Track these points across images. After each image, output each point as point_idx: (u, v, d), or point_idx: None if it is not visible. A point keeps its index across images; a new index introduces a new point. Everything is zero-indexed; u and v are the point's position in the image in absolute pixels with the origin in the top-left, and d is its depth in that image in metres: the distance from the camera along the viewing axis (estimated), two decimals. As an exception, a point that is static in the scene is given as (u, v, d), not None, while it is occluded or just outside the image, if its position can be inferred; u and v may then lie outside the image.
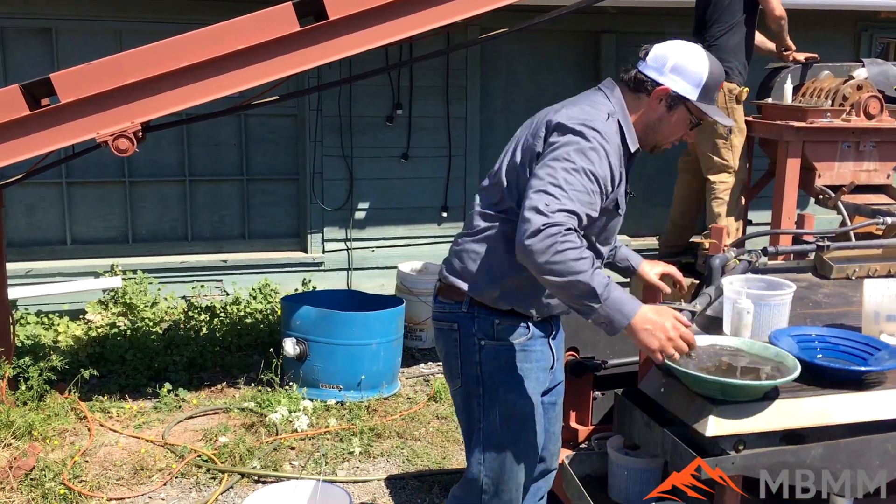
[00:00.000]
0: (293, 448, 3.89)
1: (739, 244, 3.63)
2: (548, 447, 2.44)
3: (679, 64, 2.14)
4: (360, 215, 5.99)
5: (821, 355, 2.45)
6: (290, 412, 4.16)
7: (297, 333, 4.47)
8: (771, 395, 2.16)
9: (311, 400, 4.34)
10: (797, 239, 3.68)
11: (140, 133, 3.43)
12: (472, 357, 2.24)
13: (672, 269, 2.55)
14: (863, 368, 2.27)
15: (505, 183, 2.22)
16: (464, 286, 2.24)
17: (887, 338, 2.55)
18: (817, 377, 2.23)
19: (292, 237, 6.05)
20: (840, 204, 4.09)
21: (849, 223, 4.02)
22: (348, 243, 5.99)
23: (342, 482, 3.59)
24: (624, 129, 2.15)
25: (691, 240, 4.92)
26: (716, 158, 4.55)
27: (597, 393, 2.88)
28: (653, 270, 2.51)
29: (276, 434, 3.99)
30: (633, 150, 2.16)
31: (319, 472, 3.66)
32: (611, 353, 2.84)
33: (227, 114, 4.22)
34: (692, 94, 2.14)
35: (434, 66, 5.88)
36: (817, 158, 4.28)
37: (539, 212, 1.92)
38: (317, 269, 5.95)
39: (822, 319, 2.88)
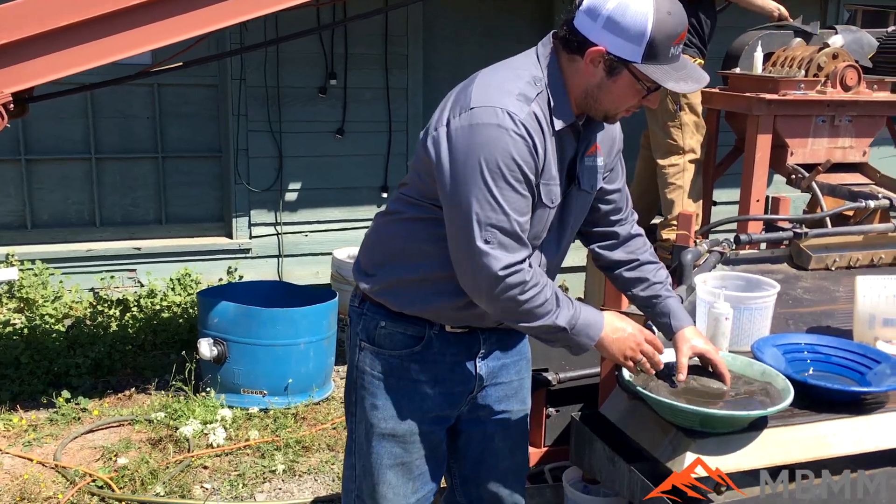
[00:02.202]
0: (206, 467, 3.48)
1: (705, 232, 3.31)
2: (475, 485, 2.09)
3: (614, 15, 1.65)
4: (290, 197, 5.55)
5: (812, 369, 2.13)
6: (205, 424, 3.74)
7: (216, 333, 4.04)
8: (758, 423, 1.83)
9: (231, 408, 3.93)
10: (770, 225, 3.39)
11: (12, 105, 2.95)
12: (353, 358, 1.96)
13: (715, 356, 1.93)
14: (870, 389, 1.95)
15: (413, 160, 1.91)
16: (356, 275, 1.96)
17: (884, 346, 2.25)
18: (811, 399, 1.91)
19: (215, 221, 5.59)
20: (815, 185, 3.81)
21: (823, 206, 3.74)
22: (278, 228, 5.55)
23: (261, 508, 3.19)
24: (552, 100, 1.74)
25: (651, 222, 4.60)
26: (665, 140, 4.21)
27: (550, 409, 2.52)
28: (694, 342, 1.92)
29: (188, 450, 3.56)
30: (557, 127, 1.74)
31: (234, 496, 3.26)
32: (566, 364, 2.49)
33: (121, 82, 3.73)
34: (634, 54, 1.67)
35: (371, 32, 5.44)
36: (790, 134, 3.98)
37: (482, 256, 1.69)
38: (243, 256, 5.51)
39: (805, 321, 2.57)
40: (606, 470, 1.97)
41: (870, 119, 4.09)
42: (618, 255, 2.02)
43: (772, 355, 2.11)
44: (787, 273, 3.10)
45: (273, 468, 3.45)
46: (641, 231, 2.06)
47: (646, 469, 1.87)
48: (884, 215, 4.26)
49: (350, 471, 2.00)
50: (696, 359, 1.94)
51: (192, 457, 3.51)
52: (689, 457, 1.77)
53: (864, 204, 3.26)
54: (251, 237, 5.52)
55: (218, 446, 3.59)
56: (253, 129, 5.37)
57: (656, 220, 4.61)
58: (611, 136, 1.93)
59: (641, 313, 2.09)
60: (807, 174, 3.86)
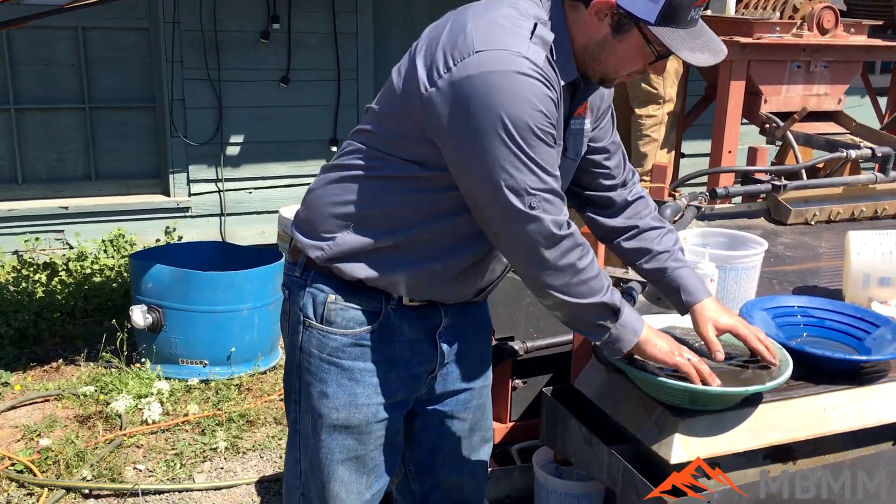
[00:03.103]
0: (140, 446, 3.22)
1: (678, 186, 3.11)
2: (431, 473, 1.88)
3: None
4: (232, 151, 5.21)
5: (806, 334, 1.95)
6: (139, 398, 3.48)
7: (150, 299, 3.75)
8: (752, 398, 1.65)
9: (169, 380, 3.66)
10: (746, 178, 3.21)
11: None
12: (295, 339, 1.69)
13: (746, 330, 1.67)
14: (874, 357, 1.78)
15: (377, 108, 1.62)
16: (301, 240, 1.66)
17: (879, 307, 2.08)
18: (808, 368, 1.73)
19: (150, 178, 5.23)
20: (790, 134, 3.63)
21: (799, 157, 3.57)
22: (220, 184, 5.22)
23: (200, 489, 2.95)
24: (553, 49, 1.48)
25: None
26: (643, 86, 3.99)
27: (516, 381, 2.32)
28: (716, 318, 1.66)
29: (120, 428, 3.30)
30: (562, 81, 1.50)
31: (171, 478, 3.01)
32: (533, 332, 2.28)
33: (29, 20, 3.35)
34: (649, 12, 1.42)
35: (317, -29, 5.08)
36: (763, 81, 3.79)
37: (530, 221, 1.46)
38: (182, 215, 5.18)
39: (790, 280, 2.40)
40: (583, 452, 1.77)
41: (846, 65, 3.92)
42: (615, 222, 1.78)
43: (761, 320, 1.92)
44: (766, 228, 2.94)
45: (214, 445, 3.21)
46: (643, 193, 1.81)
47: (628, 452, 1.68)
48: (854, 167, 4.13)
49: (294, 466, 1.76)
50: (665, 322, 1.75)
51: (125, 435, 3.24)
52: (678, 439, 1.58)
53: (845, 154, 3.09)
54: (190, 195, 5.19)
55: (153, 423, 3.33)
56: (189, 77, 5.00)
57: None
58: (600, 91, 1.68)
59: (618, 274, 1.88)
60: (781, 123, 3.68)
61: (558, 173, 1.49)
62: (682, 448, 1.58)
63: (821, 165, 3.56)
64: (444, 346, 1.74)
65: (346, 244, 1.61)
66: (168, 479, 3.01)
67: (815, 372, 1.74)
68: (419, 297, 1.66)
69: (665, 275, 1.74)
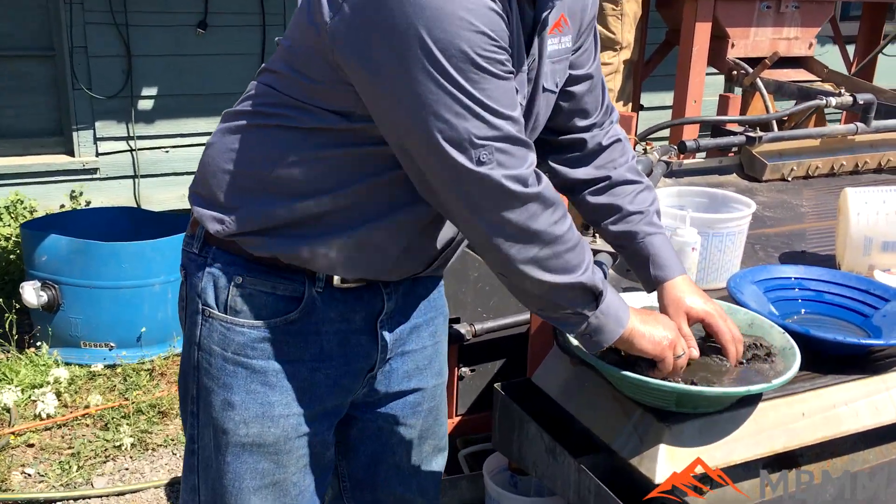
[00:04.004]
0: (32, 445, 2.84)
1: (642, 138, 2.81)
2: (371, 489, 1.55)
3: None
4: (145, 105, 4.75)
5: (804, 310, 1.68)
6: (32, 388, 3.08)
7: (45, 274, 3.34)
8: (750, 396, 1.36)
9: (69, 365, 3.27)
10: (717, 129, 2.92)
11: None
12: (193, 333, 1.34)
13: (719, 322, 1.35)
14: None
15: (286, 44, 1.27)
16: (197, 210, 1.32)
17: (882, 276, 1.82)
18: (811, 353, 1.44)
19: (52, 136, 4.74)
20: (759, 82, 3.36)
21: (769, 106, 3.30)
22: (131, 143, 4.76)
23: (99, 496, 2.59)
24: None
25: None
26: (600, 28, 3.66)
27: (464, 369, 2.01)
28: (690, 303, 1.35)
29: (9, 425, 2.90)
30: None
31: (65, 483, 2.64)
32: (483, 312, 1.96)
33: None
34: None
35: None
36: (730, 23, 3.51)
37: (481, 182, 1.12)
38: (89, 177, 4.71)
39: (775, 245, 2.14)
40: (544, 464, 1.47)
41: (817, 5, 3.66)
42: (582, 172, 1.44)
43: (753, 295, 1.65)
44: (739, 185, 2.68)
45: (118, 442, 2.84)
46: (621, 136, 1.48)
47: (602, 465, 1.38)
48: (820, 118, 3.90)
49: (191, 497, 1.40)
50: (641, 301, 1.45)
51: (12, 433, 2.85)
52: (664, 452, 1.29)
53: (824, 101, 2.82)
54: (98, 154, 4.71)
55: (48, 417, 2.95)
56: (92, 21, 4.50)
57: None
58: (581, 2, 1.35)
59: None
60: (751, 69, 3.41)
61: (517, 112, 1.14)
62: (669, 462, 1.29)
63: (785, 118, 3.32)
64: (388, 337, 1.40)
65: (254, 214, 1.27)
66: (62, 485, 2.64)
67: (818, 358, 1.47)
68: (352, 275, 1.32)
69: (635, 240, 1.42)
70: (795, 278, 1.71)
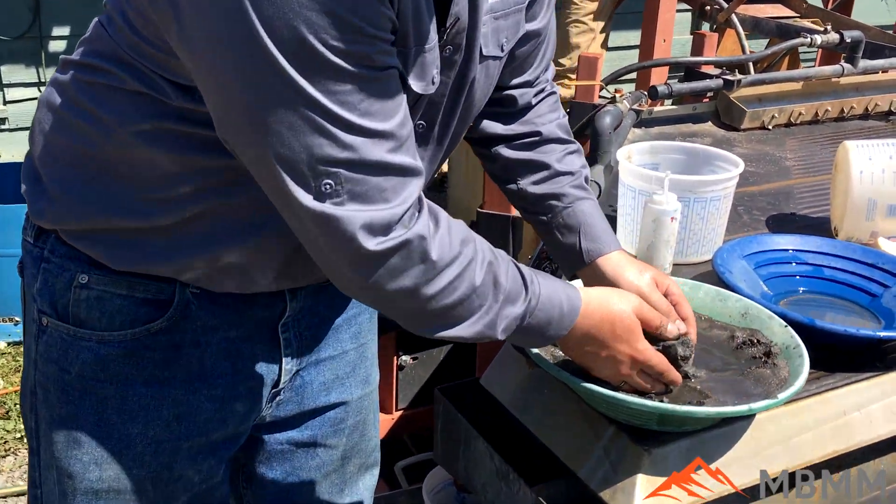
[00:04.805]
0: (-82, 440, 2.53)
1: (608, 83, 2.54)
2: None
3: None
4: (56, 46, 4.36)
5: (802, 289, 1.44)
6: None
7: None
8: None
9: (-33, 344, 2.95)
10: (690, 72, 2.66)
11: None
12: (29, 346, 1.06)
13: (673, 288, 1.13)
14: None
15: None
16: (23, 185, 1.06)
17: (886, 244, 1.59)
18: (816, 347, 1.20)
19: (-48, 82, 4.32)
20: (734, 18, 3.09)
21: (746, 46, 3.04)
22: (43, 88, 4.34)
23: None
24: None
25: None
26: None
27: (404, 358, 1.75)
28: (635, 277, 1.11)
29: None
30: None
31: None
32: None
33: None
34: None
35: None
36: (702, -47, 3.21)
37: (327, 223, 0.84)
38: (-3, 128, 4.33)
39: (760, 207, 1.91)
40: (494, 489, 1.22)
41: (797, -66, 3.37)
42: (502, 128, 1.17)
43: (742, 272, 1.41)
44: (715, 135, 2.44)
45: (22, 433, 2.54)
46: (553, 88, 1.21)
47: (563, 496, 1.14)
48: (794, 60, 3.67)
49: None
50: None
51: None
52: (641, 483, 1.04)
53: (809, 39, 2.57)
54: (5, 102, 4.34)
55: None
56: (-11, -51, 4.06)
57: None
58: None
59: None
60: (725, 5, 3.13)
61: (392, 123, 0.83)
62: (647, 490, 1.04)
63: (757, 62, 3.07)
64: (295, 344, 1.12)
65: (99, 213, 0.98)
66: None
67: (825, 352, 1.23)
68: (232, 288, 1.04)
69: (560, 205, 1.15)
70: (792, 251, 1.46)
